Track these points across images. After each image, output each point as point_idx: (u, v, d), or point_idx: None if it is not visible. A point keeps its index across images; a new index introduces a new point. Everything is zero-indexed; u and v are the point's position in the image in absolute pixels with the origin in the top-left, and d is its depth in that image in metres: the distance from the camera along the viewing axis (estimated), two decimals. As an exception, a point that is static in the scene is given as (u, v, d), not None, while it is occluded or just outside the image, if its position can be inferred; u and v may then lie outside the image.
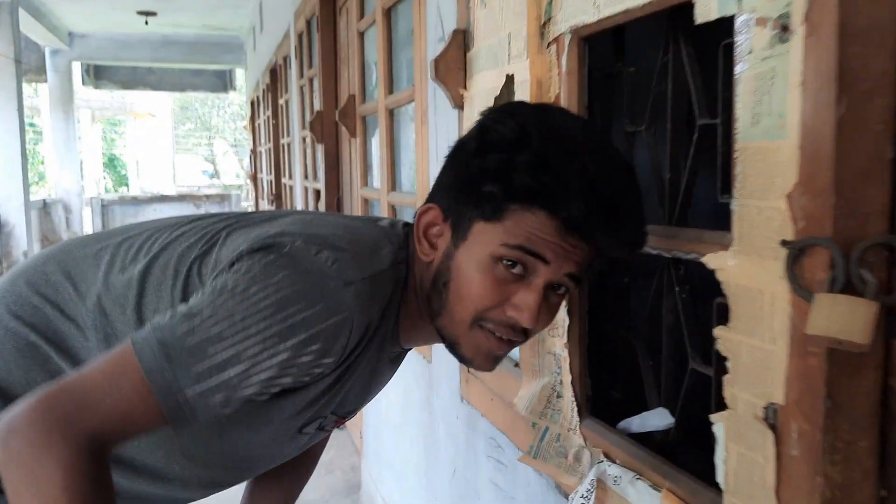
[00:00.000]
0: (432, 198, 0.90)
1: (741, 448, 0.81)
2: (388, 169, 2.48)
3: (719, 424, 0.84)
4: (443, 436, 1.88)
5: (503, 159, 0.81)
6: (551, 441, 1.18)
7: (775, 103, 0.75)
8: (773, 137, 0.75)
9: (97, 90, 12.50)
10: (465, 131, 1.69)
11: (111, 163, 21.36)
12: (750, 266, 0.78)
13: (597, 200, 0.79)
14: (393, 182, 2.51)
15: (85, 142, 15.96)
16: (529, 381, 1.25)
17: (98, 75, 11.11)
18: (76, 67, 10.68)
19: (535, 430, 1.22)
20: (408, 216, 2.47)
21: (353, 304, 0.80)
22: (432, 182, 1.98)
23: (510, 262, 0.81)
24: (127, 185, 19.96)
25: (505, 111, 0.88)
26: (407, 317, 0.91)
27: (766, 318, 0.77)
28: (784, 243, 0.73)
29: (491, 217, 0.82)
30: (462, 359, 0.89)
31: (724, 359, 0.91)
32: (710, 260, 0.83)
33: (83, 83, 11.28)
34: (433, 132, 1.92)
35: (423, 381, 2.04)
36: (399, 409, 2.29)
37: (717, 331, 0.83)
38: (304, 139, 4.49)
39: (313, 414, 0.91)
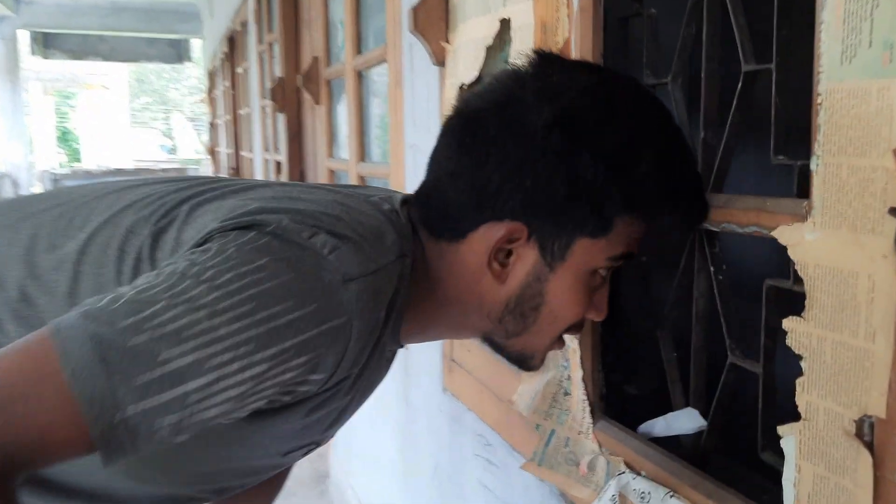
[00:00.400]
0: (491, 208, 0.70)
1: (819, 469, 0.65)
2: (356, 137, 2.29)
3: (789, 438, 0.68)
4: (422, 429, 1.71)
5: (629, 176, 0.69)
6: (559, 446, 1.01)
7: (879, 31, 0.58)
8: (875, 75, 0.58)
9: (47, 60, 11.96)
10: (447, 89, 1.51)
11: (64, 136, 20.67)
12: (838, 241, 0.62)
13: (699, 201, 0.75)
14: (362, 151, 2.31)
15: (36, 115, 15.37)
16: (531, 375, 1.08)
17: (47, 44, 10.61)
18: (23, 35, 10.18)
19: (539, 434, 1.05)
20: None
21: (354, 307, 0.62)
22: (408, 151, 1.80)
23: (605, 270, 0.74)
24: (79, 159, 19.33)
25: (602, 100, 0.70)
26: (414, 316, 0.74)
27: (860, 308, 0.60)
28: (893, 212, 0.56)
29: (599, 234, 0.70)
30: (528, 368, 0.81)
31: (771, 355, 0.75)
32: (783, 234, 0.66)
33: (31, 52, 10.77)
34: (409, 94, 1.73)
35: (398, 367, 1.86)
36: (371, 397, 2.11)
37: (789, 322, 0.67)
38: (263, 109, 4.25)
39: (305, 441, 0.74)
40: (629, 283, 1.07)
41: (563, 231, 0.70)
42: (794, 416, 0.73)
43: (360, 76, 2.30)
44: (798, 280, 0.77)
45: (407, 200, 0.77)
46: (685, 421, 0.95)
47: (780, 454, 0.81)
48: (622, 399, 1.04)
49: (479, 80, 1.31)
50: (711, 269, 0.89)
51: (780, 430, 0.68)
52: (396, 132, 1.82)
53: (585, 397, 0.99)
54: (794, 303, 0.82)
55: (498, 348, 0.81)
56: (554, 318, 0.75)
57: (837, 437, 0.63)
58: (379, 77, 2.24)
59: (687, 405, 0.96)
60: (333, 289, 0.61)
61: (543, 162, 0.68)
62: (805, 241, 0.65)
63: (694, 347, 0.94)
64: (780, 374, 0.83)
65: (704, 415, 0.93)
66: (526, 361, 0.81)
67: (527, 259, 0.72)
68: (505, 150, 0.69)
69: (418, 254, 0.73)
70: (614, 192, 0.69)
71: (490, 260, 0.72)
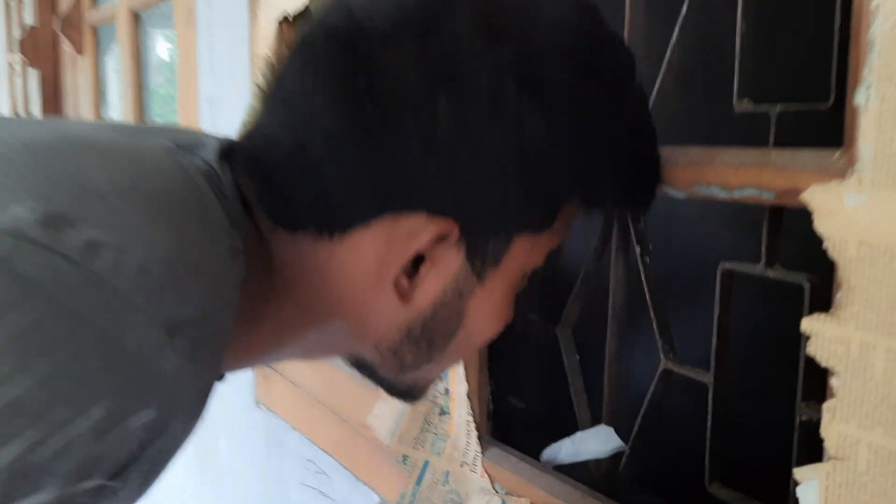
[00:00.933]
0: (401, 195, 0.45)
1: (859, 527, 0.46)
2: (134, 92, 1.89)
3: (810, 484, 0.49)
4: (226, 452, 1.40)
5: (602, 151, 0.49)
6: (435, 483, 0.77)
7: None
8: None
9: None
10: (262, 25, 1.21)
11: None
12: (901, 208, 0.43)
13: (656, 172, 0.57)
14: (141, 110, 1.91)
15: None
16: (393, 390, 0.83)
17: None
18: None
19: (407, 469, 0.80)
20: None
21: (183, 376, 0.35)
22: (205, 107, 1.46)
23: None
24: None
25: (579, 42, 0.47)
26: (248, 337, 0.46)
27: (937, 303, 0.42)
28: None
29: (544, 227, 0.50)
30: (411, 400, 0.59)
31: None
32: (815, 197, 0.46)
33: None
34: (205, 34, 1.39)
35: (192, 374, 1.53)
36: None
37: (813, 323, 0.48)
38: (11, 65, 3.57)
39: None
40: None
41: (503, 228, 0.49)
42: (780, 443, 0.56)
43: (136, 19, 1.90)
44: (771, 263, 0.59)
45: (229, 153, 0.48)
46: (596, 442, 0.75)
47: (735, 487, 0.64)
48: (517, 418, 0.82)
49: (307, 10, 1.03)
50: (637, 248, 0.70)
51: (799, 473, 0.49)
52: (187, 83, 1.48)
53: (471, 417, 0.76)
54: (769, 294, 0.65)
55: (377, 379, 0.57)
56: (468, 343, 0.54)
57: (892, 483, 0.45)
58: (161, 16, 1.85)
59: (596, 422, 0.77)
60: (145, 359, 0.33)
61: (490, 128, 0.44)
62: (844, 209, 0.46)
63: (610, 348, 0.74)
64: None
65: (625, 435, 0.73)
66: (413, 395, 0.59)
67: (447, 268, 0.48)
68: (430, 109, 0.43)
69: (254, 247, 0.45)
70: (583, 173, 0.48)
71: (398, 272, 0.46)
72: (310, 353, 0.54)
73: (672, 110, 0.66)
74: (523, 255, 0.50)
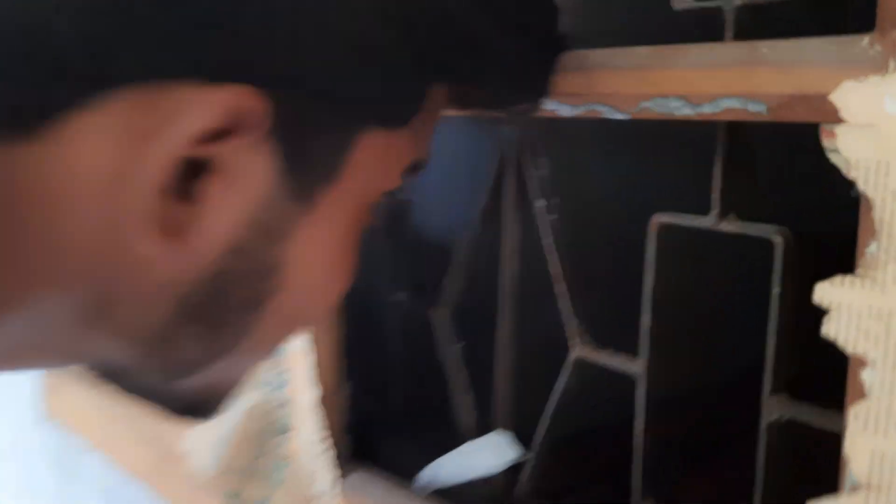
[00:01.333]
0: (143, 52, 0.23)
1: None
2: None
3: (827, 523, 0.34)
4: (8, 478, 1.13)
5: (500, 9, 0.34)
6: (277, 525, 0.58)
7: None
8: None
9: None
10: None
11: None
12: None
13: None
14: None
15: None
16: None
17: None
18: None
19: (237, 508, 0.60)
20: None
21: None
22: None
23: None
24: None
25: None
26: None
27: None
28: None
29: (403, 118, 0.32)
30: (201, 416, 0.36)
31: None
32: (848, 99, 0.31)
33: None
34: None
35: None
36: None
37: (828, 290, 0.33)
38: None
39: None
40: (375, 233, 0.67)
41: (341, 111, 0.30)
42: (738, 451, 0.42)
43: None
44: (726, 213, 0.44)
45: None
46: (489, 454, 0.58)
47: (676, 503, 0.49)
48: (384, 431, 0.63)
49: None
50: (543, 202, 0.53)
51: (814, 509, 0.34)
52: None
53: (322, 434, 0.57)
54: (721, 255, 0.50)
55: (143, 392, 0.35)
56: (292, 317, 0.33)
57: (961, 522, 0.31)
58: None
59: (487, 429, 0.60)
60: None
61: None
62: (884, 118, 0.31)
63: (501, 334, 0.58)
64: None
65: (525, 439, 0.57)
66: (205, 409, 0.37)
67: (246, 182, 0.27)
68: None
69: None
70: (464, 29, 0.32)
71: (157, 189, 0.25)
72: (14, 357, 0.31)
73: (587, 12, 0.49)
74: (371, 164, 0.31)
